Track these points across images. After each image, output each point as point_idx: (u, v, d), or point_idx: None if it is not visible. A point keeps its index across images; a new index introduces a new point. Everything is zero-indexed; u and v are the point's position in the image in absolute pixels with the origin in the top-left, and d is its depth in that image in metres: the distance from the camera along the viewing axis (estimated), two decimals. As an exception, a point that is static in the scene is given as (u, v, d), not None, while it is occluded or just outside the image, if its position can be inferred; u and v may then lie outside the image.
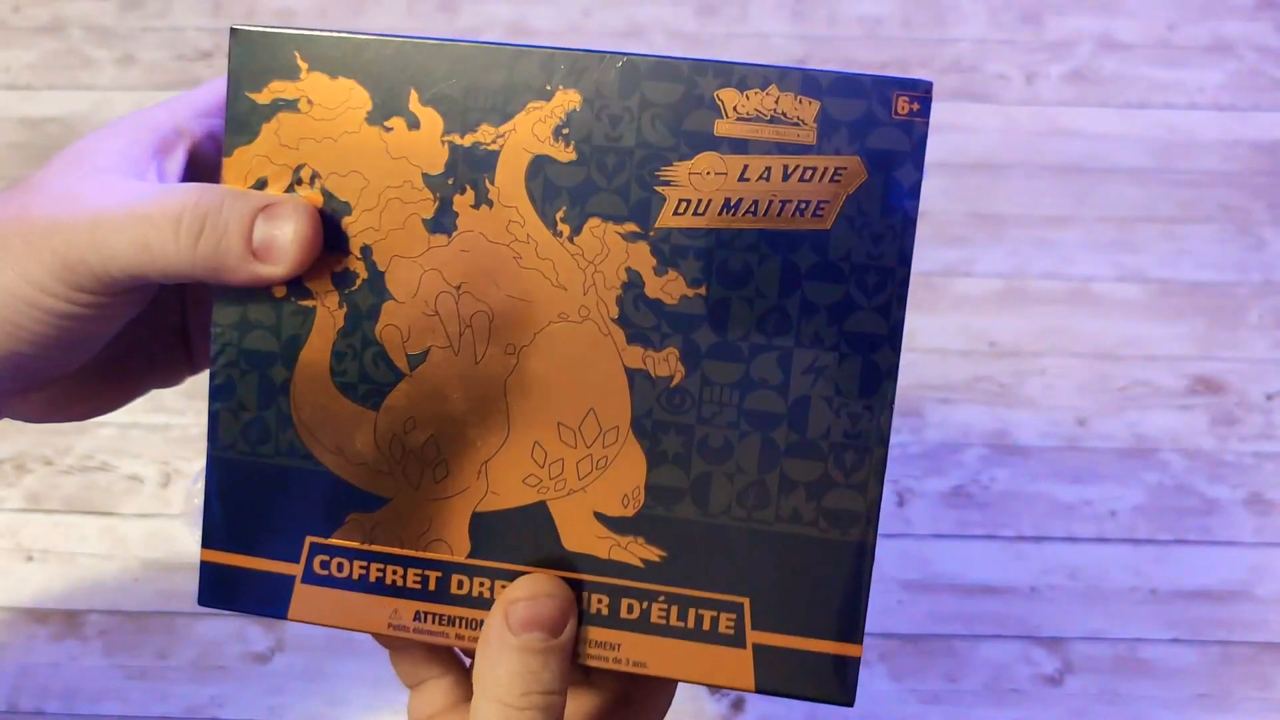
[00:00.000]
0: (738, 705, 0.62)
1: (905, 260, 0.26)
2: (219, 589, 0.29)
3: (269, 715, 0.61)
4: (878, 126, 0.26)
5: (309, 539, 0.28)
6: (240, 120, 0.27)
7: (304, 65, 0.27)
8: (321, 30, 0.27)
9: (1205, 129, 0.77)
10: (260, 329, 0.27)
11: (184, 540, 0.64)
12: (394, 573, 0.28)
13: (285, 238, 0.25)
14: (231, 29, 0.27)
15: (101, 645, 0.62)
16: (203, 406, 0.69)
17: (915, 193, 0.26)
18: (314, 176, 0.27)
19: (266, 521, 0.28)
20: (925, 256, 0.73)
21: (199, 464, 0.68)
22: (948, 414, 0.69)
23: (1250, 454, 0.68)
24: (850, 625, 0.27)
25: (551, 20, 0.81)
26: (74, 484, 0.65)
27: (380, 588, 0.28)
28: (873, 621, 0.63)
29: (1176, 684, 0.63)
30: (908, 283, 0.26)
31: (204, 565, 0.29)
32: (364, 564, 0.28)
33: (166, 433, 0.67)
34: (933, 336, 0.70)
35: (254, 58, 0.27)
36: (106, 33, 0.79)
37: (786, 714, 0.61)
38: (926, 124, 0.26)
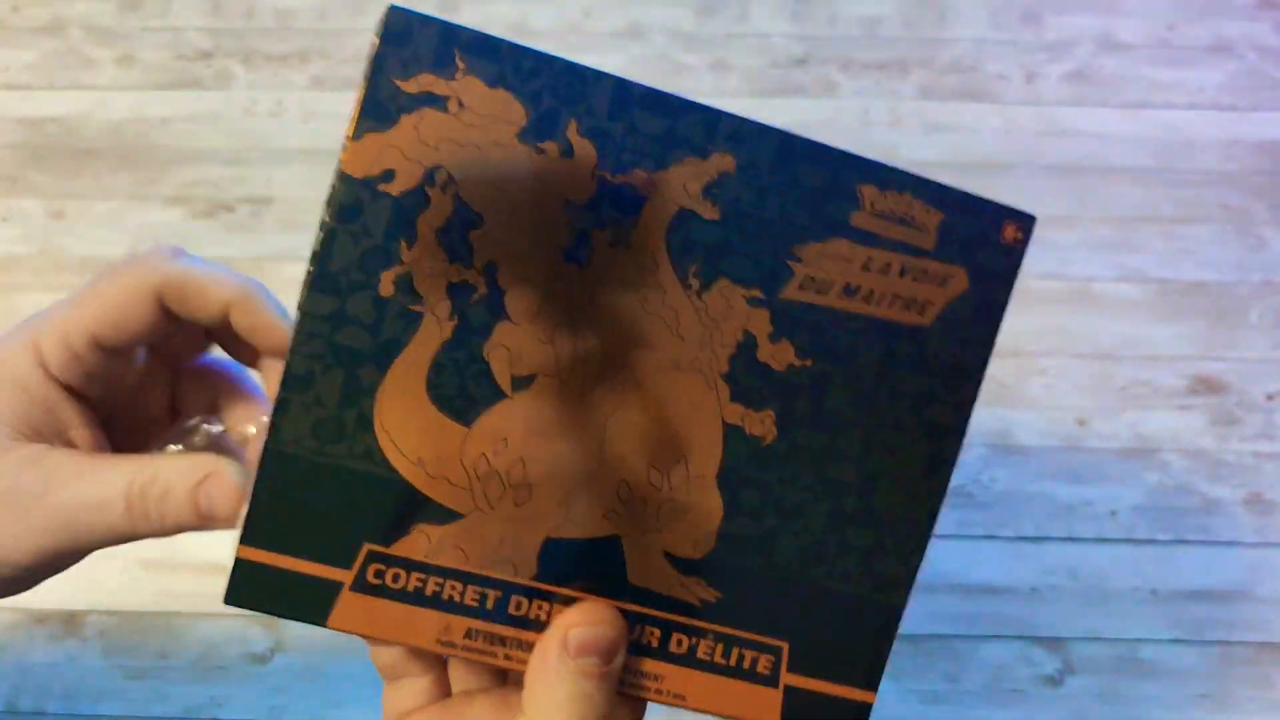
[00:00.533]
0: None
1: (983, 365, 0.29)
2: (252, 589, 0.27)
3: (269, 715, 0.61)
4: (986, 246, 0.28)
5: (367, 546, 0.27)
6: (379, 105, 0.25)
7: (462, 65, 0.26)
8: (488, 33, 0.26)
9: (1205, 129, 0.77)
10: (356, 326, 0.26)
11: (184, 540, 0.64)
12: (452, 588, 0.27)
13: (224, 505, 0.28)
14: (390, 5, 0.25)
15: (101, 645, 0.62)
16: (203, 406, 0.69)
17: (1003, 308, 0.29)
18: (449, 181, 0.26)
19: (320, 524, 0.27)
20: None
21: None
22: (948, 414, 0.69)
23: (1250, 454, 0.68)
24: (872, 675, 0.29)
25: (552, 20, 0.81)
26: (74, 484, 0.65)
27: (436, 602, 0.27)
28: (873, 621, 0.63)
29: (1177, 684, 0.63)
30: (981, 385, 0.29)
31: (239, 563, 0.27)
32: (422, 577, 0.27)
33: (166, 433, 0.67)
34: (933, 336, 0.70)
35: (409, 44, 0.25)
36: (106, 33, 0.78)
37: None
38: (1024, 253, 0.28)
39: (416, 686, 0.31)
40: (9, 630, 0.62)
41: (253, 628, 0.62)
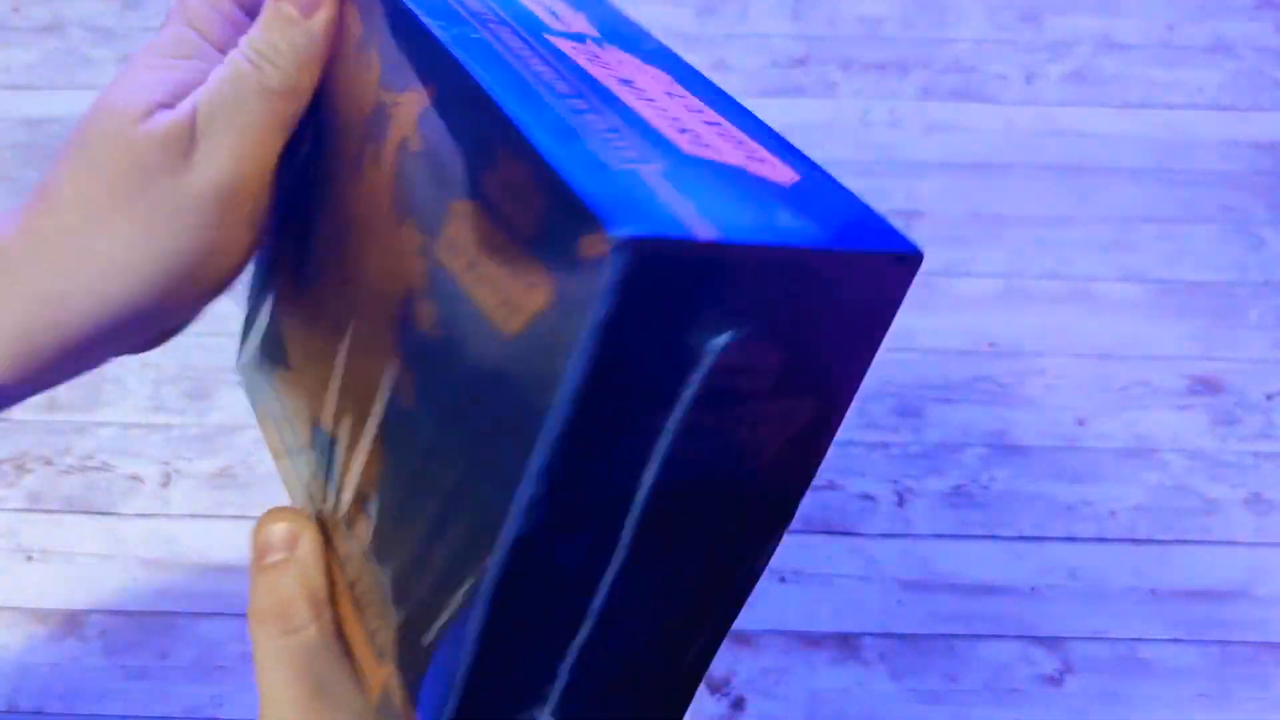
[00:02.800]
0: (738, 705, 0.62)
1: (550, 415, 0.23)
2: None
3: (269, 715, 0.61)
4: (567, 256, 0.27)
5: None
6: None
7: None
8: None
9: (1205, 129, 0.77)
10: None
11: (184, 540, 0.64)
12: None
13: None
14: None
15: (102, 645, 0.62)
16: (204, 406, 0.69)
17: (590, 353, 0.27)
18: None
19: None
20: (925, 256, 0.73)
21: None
22: (948, 414, 0.69)
23: (1250, 454, 0.68)
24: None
25: (551, 20, 0.81)
26: (74, 484, 0.66)
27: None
28: (873, 621, 0.63)
29: (1176, 683, 0.63)
30: (562, 437, 0.25)
31: None
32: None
33: (167, 433, 0.67)
34: (932, 336, 0.71)
35: None
36: (106, 33, 0.78)
37: (786, 713, 0.61)
38: (612, 279, 0.27)
39: None
40: (9, 630, 0.62)
41: (253, 627, 0.62)
